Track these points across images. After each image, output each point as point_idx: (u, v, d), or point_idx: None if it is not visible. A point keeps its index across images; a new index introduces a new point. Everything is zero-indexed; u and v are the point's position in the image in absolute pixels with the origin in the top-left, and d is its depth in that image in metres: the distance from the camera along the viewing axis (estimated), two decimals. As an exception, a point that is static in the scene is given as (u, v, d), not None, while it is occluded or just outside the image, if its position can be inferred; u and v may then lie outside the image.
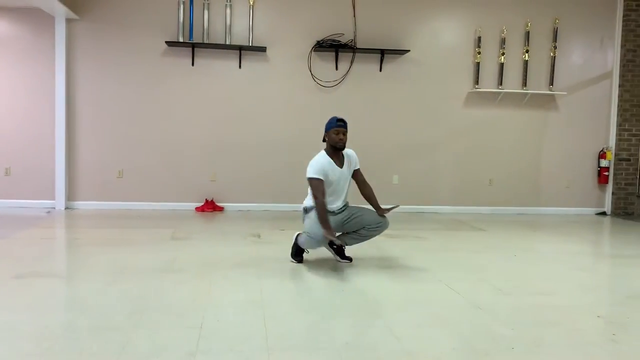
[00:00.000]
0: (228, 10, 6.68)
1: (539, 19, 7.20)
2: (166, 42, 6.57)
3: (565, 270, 4.25)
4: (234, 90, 6.84)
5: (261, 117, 6.88)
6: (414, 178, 7.16)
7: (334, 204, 4.00)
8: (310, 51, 6.85)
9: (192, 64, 6.73)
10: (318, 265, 4.10)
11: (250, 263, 4.11)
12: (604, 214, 7.51)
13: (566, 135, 7.39)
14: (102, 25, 6.60)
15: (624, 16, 7.30)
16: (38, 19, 6.49)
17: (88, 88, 6.65)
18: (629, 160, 7.44)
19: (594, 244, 5.84)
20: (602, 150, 7.43)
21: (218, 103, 6.82)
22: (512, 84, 7.22)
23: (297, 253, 4.15)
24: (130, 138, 6.74)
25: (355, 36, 6.88)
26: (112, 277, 3.60)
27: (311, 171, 3.87)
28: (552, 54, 7.24)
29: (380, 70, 7.00)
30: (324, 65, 6.92)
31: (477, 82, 7.13)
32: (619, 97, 7.38)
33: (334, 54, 6.88)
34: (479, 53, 7.10)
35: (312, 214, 3.89)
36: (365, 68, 6.98)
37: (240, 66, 6.81)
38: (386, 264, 4.16)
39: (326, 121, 4.05)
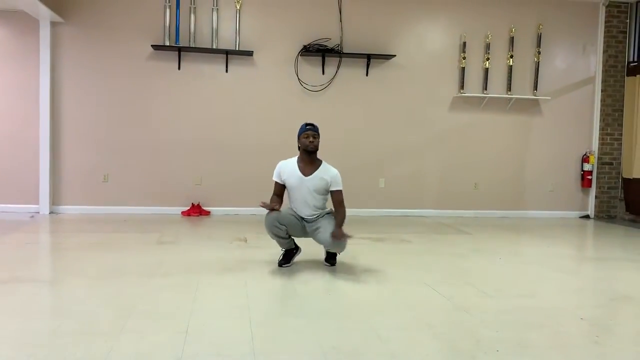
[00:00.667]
0: (214, 14, 6.68)
1: (523, 25, 7.29)
2: (152, 45, 6.54)
3: (549, 273, 4.30)
4: (220, 94, 6.83)
5: (248, 121, 6.87)
6: (400, 182, 7.19)
7: (300, 212, 4.06)
8: (297, 55, 6.86)
9: (179, 68, 6.71)
10: (304, 269, 4.10)
11: (237, 267, 4.10)
12: (587, 217, 7.60)
13: (550, 139, 7.48)
14: (88, 29, 6.56)
15: (605, 22, 7.42)
16: (22, 22, 6.43)
17: (73, 91, 6.60)
18: (612, 164, 7.55)
19: (578, 247, 5.91)
20: (585, 154, 7.52)
21: (204, 107, 6.81)
22: (496, 89, 7.29)
23: (285, 258, 4.16)
24: (116, 142, 6.69)
25: (341, 41, 6.91)
26: (97, 282, 3.57)
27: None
28: (536, 59, 7.33)
29: (367, 74, 7.04)
30: (311, 70, 6.94)
31: (462, 86, 7.20)
32: (601, 101, 7.49)
33: (320, 58, 6.90)
34: (464, 58, 7.17)
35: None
36: (351, 72, 7.01)
37: (227, 70, 6.80)
38: (372, 268, 4.17)
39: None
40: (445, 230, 6.25)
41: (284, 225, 3.97)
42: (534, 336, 2.78)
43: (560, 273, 4.29)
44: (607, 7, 7.39)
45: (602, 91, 7.48)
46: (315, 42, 6.82)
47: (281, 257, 4.16)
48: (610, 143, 7.52)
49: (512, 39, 7.24)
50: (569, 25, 7.43)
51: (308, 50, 6.80)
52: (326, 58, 6.91)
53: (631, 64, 7.38)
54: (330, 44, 6.86)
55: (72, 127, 6.63)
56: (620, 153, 7.53)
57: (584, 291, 3.85)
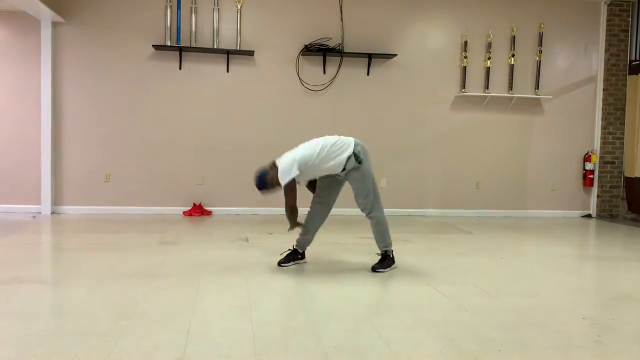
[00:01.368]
0: (216, 14, 6.67)
1: (524, 24, 7.27)
2: (153, 45, 6.55)
3: (551, 272, 4.29)
4: (221, 94, 6.83)
5: (249, 121, 6.87)
6: (401, 181, 7.19)
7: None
8: (298, 55, 6.86)
9: (180, 68, 6.71)
10: (305, 269, 4.10)
11: (238, 267, 4.10)
12: (589, 216, 7.59)
13: (552, 138, 7.47)
14: (89, 29, 6.56)
15: (607, 21, 7.40)
16: (24, 22, 6.43)
17: (74, 92, 6.60)
18: (614, 163, 7.53)
19: (580, 246, 5.90)
20: (587, 154, 7.51)
21: (206, 107, 6.81)
22: (498, 88, 7.28)
23: (287, 258, 4.17)
24: (117, 142, 6.70)
25: (342, 40, 6.91)
26: (99, 282, 3.58)
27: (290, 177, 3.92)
28: (537, 59, 7.31)
29: (368, 74, 7.03)
30: (312, 69, 6.94)
31: (463, 86, 7.19)
32: (603, 101, 7.47)
33: (321, 58, 6.89)
34: (466, 57, 7.16)
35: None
36: (352, 72, 7.01)
37: (228, 70, 6.80)
38: (374, 267, 4.16)
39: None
40: (447, 229, 6.24)
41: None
42: (535, 335, 2.78)
43: (562, 272, 4.29)
44: (608, 5, 7.37)
45: (604, 90, 7.46)
46: (316, 42, 6.81)
47: (284, 256, 4.16)
48: (612, 142, 7.51)
49: (513, 38, 7.23)
50: (571, 24, 7.42)
51: (309, 50, 6.79)
52: (327, 57, 6.91)
53: (633, 63, 7.36)
54: (331, 44, 6.85)
55: (74, 127, 6.63)
56: (622, 152, 7.51)
57: (585, 290, 3.84)
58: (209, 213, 6.83)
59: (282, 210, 3.85)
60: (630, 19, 7.40)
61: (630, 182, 7.35)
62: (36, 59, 6.47)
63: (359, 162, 3.87)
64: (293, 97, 6.92)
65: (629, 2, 7.36)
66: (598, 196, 7.57)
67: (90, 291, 3.38)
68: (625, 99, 7.42)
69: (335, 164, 3.87)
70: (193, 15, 6.62)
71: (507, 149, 7.40)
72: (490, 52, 7.20)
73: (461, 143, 7.29)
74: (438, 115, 7.23)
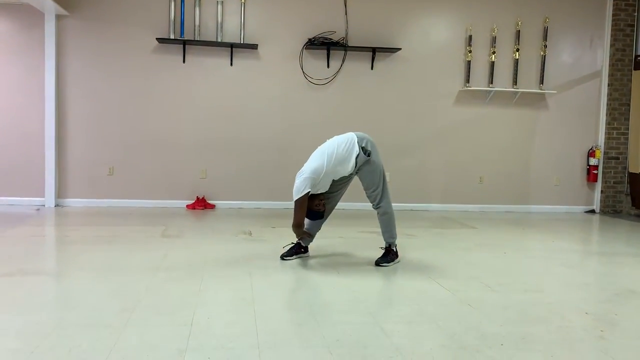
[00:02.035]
0: (219, 7, 6.66)
1: (529, 18, 7.24)
2: (157, 38, 6.54)
3: (554, 267, 4.29)
4: (225, 87, 6.83)
5: (252, 114, 6.87)
6: (404, 176, 7.18)
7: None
8: (302, 49, 6.84)
9: (183, 61, 6.70)
10: (308, 262, 4.11)
11: (241, 260, 4.11)
12: (592, 212, 7.58)
13: (556, 133, 7.45)
14: (93, 22, 6.56)
15: (613, 15, 7.36)
16: (28, 15, 6.43)
17: (78, 85, 6.61)
18: (618, 158, 7.51)
19: (583, 241, 5.89)
20: (591, 149, 7.49)
21: (209, 100, 6.81)
22: (502, 83, 7.25)
23: (290, 252, 4.17)
24: (121, 135, 6.71)
25: (346, 34, 6.89)
26: (102, 275, 3.59)
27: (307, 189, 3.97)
28: (542, 53, 7.28)
29: (372, 68, 7.02)
30: (316, 63, 6.92)
31: (467, 80, 7.16)
32: (608, 96, 7.44)
33: (325, 51, 6.88)
34: (470, 51, 7.13)
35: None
36: (356, 66, 6.99)
37: (231, 63, 6.79)
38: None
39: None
40: (450, 224, 6.24)
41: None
42: (538, 330, 2.78)
43: (565, 267, 4.28)
44: (614, 0, 7.33)
45: (608, 85, 7.43)
46: (320, 36, 6.80)
47: (287, 250, 4.17)
48: (617, 137, 7.48)
49: (518, 33, 7.20)
50: (576, 19, 7.38)
51: (313, 44, 6.78)
52: (331, 51, 6.89)
53: (639, 58, 7.32)
54: (335, 37, 6.84)
55: (78, 120, 6.64)
56: (627, 147, 7.49)
57: (588, 286, 3.84)
58: (212, 206, 6.84)
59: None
60: (636, 14, 7.36)
61: (634, 178, 7.33)
62: (40, 52, 6.48)
63: (368, 156, 3.88)
64: (297, 90, 6.91)
65: (635, -4, 7.32)
66: (602, 192, 7.55)
67: (94, 283, 3.39)
68: (630, 94, 7.39)
69: (349, 165, 3.89)
70: (197, 9, 6.61)
71: (511, 143, 7.38)
72: (494, 47, 7.17)
73: (465, 138, 7.28)
74: (442, 110, 7.22)
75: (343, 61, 6.95)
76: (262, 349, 2.42)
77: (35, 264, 3.97)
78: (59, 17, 6.47)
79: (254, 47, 6.72)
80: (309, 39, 6.79)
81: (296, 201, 3.83)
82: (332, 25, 6.86)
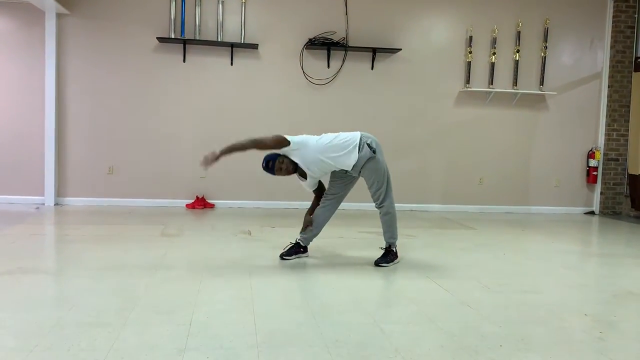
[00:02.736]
0: (220, 7, 6.66)
1: (529, 19, 7.24)
2: (157, 38, 6.54)
3: (553, 268, 4.29)
4: (225, 87, 6.82)
5: (252, 114, 6.87)
6: (404, 176, 7.17)
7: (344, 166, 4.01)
8: (302, 49, 6.84)
9: (184, 60, 6.70)
10: (308, 262, 4.11)
11: (241, 260, 4.11)
12: (592, 213, 7.58)
13: (556, 135, 7.45)
14: (93, 20, 6.56)
15: (613, 17, 7.36)
16: (28, 13, 6.43)
17: (78, 83, 6.61)
18: (617, 160, 7.51)
19: (582, 243, 5.89)
20: (591, 150, 7.49)
21: (209, 100, 6.81)
22: (502, 84, 7.26)
23: (289, 251, 4.18)
24: (121, 134, 6.71)
25: (347, 34, 6.89)
26: (101, 274, 3.59)
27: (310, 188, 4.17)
28: (542, 54, 7.28)
29: (372, 68, 7.02)
30: (316, 63, 6.92)
31: (468, 81, 7.17)
32: (608, 97, 7.45)
33: (326, 51, 6.88)
34: (470, 52, 7.13)
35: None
36: (356, 66, 6.99)
37: (232, 63, 6.79)
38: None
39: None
40: (450, 225, 6.24)
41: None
42: (537, 331, 2.78)
43: (565, 269, 4.28)
44: (615, 1, 7.33)
45: (609, 87, 7.43)
46: (320, 36, 6.80)
47: (286, 249, 4.18)
48: (617, 139, 7.49)
49: (518, 34, 7.20)
50: (576, 20, 7.38)
51: (313, 44, 6.78)
52: (331, 51, 6.89)
53: (638, 60, 7.33)
54: (335, 38, 6.84)
55: (78, 119, 6.64)
56: (627, 149, 7.49)
57: (588, 287, 3.84)
58: (212, 206, 6.84)
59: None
60: (636, 15, 7.37)
61: (633, 180, 7.33)
62: (40, 51, 6.48)
63: (374, 152, 3.89)
64: (297, 90, 6.91)
65: (636, -2, 7.33)
66: (601, 193, 7.56)
67: (93, 282, 3.39)
68: (630, 95, 7.40)
69: (349, 158, 3.88)
70: (197, 8, 6.61)
71: (510, 144, 7.38)
72: (495, 48, 7.17)
73: (465, 138, 7.28)
74: (442, 111, 7.22)
75: (343, 61, 6.95)
76: (261, 348, 2.42)
77: (35, 262, 3.96)
78: (59, 16, 6.46)
79: (254, 46, 6.72)
80: (310, 39, 6.79)
81: (274, 137, 3.91)
82: (332, 25, 6.86)
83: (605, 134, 7.49)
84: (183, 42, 6.59)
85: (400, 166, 7.15)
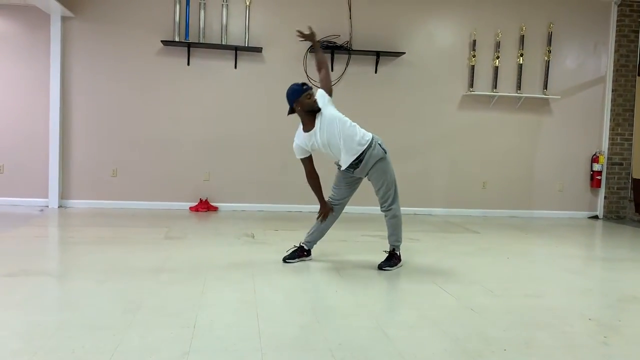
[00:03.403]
0: (224, 10, 6.68)
1: (533, 23, 7.24)
2: (162, 41, 6.56)
3: (557, 272, 4.28)
4: (229, 90, 6.84)
5: (256, 117, 6.88)
6: (408, 180, 7.16)
7: (346, 161, 3.93)
8: (306, 52, 6.85)
9: (188, 64, 6.72)
10: (311, 266, 4.11)
11: (244, 263, 4.12)
12: (596, 217, 7.56)
13: (559, 139, 7.44)
14: (98, 24, 6.58)
15: (617, 21, 7.36)
16: (33, 16, 6.46)
17: (83, 86, 6.63)
18: (621, 164, 7.50)
19: (586, 247, 5.88)
20: (594, 154, 7.48)
21: (213, 103, 6.82)
22: (506, 88, 7.25)
23: (292, 255, 4.18)
24: (125, 137, 6.72)
25: (351, 38, 6.90)
26: (105, 276, 3.59)
27: (297, 154, 4.03)
28: (546, 58, 7.28)
29: (376, 72, 7.02)
30: (320, 67, 6.92)
31: (471, 85, 7.17)
32: (611, 101, 7.44)
33: (329, 55, 6.89)
34: (474, 56, 7.13)
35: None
36: (360, 70, 7.00)
37: (236, 66, 6.81)
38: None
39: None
40: (453, 229, 6.23)
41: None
42: (541, 336, 2.77)
43: (568, 273, 4.27)
44: (619, 6, 7.33)
45: (612, 91, 7.42)
46: (324, 39, 6.81)
47: (289, 253, 4.18)
48: (621, 143, 7.47)
49: (522, 38, 7.20)
50: (580, 24, 7.38)
51: (317, 47, 6.78)
52: (335, 55, 6.90)
53: (643, 64, 7.33)
54: (339, 41, 6.85)
55: (82, 121, 6.66)
56: (631, 153, 7.47)
57: (591, 291, 3.83)
58: (215, 209, 6.84)
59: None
60: (640, 20, 7.37)
61: (638, 184, 7.31)
62: (45, 54, 6.50)
63: (385, 152, 3.94)
64: (300, 94, 6.91)
65: (640, 2, 7.32)
66: (605, 197, 7.54)
67: (96, 285, 3.40)
68: (634, 100, 7.39)
69: (355, 146, 3.89)
70: (202, 11, 6.63)
71: (514, 148, 7.37)
72: (498, 52, 7.17)
73: (468, 142, 7.28)
74: (445, 114, 7.22)
75: (347, 65, 6.96)
76: (265, 351, 2.42)
77: (39, 264, 3.97)
78: (64, 19, 6.49)
79: (258, 50, 6.73)
80: (313, 43, 6.79)
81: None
82: (336, 29, 6.87)
83: (609, 138, 7.48)
84: (187, 45, 6.61)
85: (403, 169, 7.13)
